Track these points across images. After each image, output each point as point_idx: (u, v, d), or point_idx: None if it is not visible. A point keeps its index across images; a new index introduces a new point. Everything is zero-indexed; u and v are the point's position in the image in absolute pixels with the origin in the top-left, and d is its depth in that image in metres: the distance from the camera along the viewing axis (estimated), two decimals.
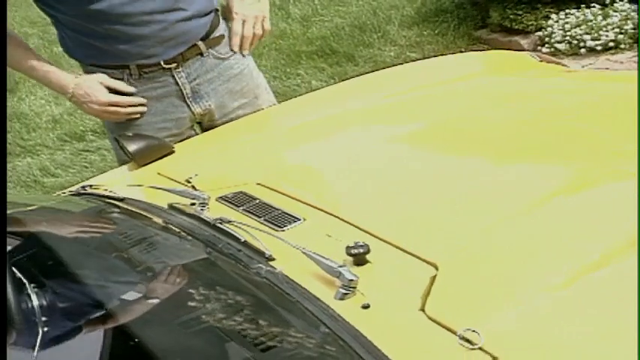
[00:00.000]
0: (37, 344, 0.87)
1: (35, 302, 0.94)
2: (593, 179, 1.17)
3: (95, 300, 1.06)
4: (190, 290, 1.08)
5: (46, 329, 0.90)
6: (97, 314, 1.01)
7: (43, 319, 0.92)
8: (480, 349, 0.83)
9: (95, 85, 1.71)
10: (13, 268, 0.98)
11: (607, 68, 3.38)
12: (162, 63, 1.71)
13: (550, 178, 1.22)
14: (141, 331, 0.94)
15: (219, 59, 1.79)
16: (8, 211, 1.23)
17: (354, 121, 1.60)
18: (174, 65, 1.73)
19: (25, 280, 0.98)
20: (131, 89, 1.73)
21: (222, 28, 1.80)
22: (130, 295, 1.09)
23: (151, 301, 1.06)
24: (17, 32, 2.01)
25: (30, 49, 1.77)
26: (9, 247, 1.07)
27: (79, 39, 1.70)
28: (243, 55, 1.83)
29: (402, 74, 1.95)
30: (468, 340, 0.84)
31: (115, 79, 1.73)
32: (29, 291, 0.97)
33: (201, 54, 1.76)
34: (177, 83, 1.75)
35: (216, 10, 1.80)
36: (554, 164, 1.26)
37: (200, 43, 1.75)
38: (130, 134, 1.71)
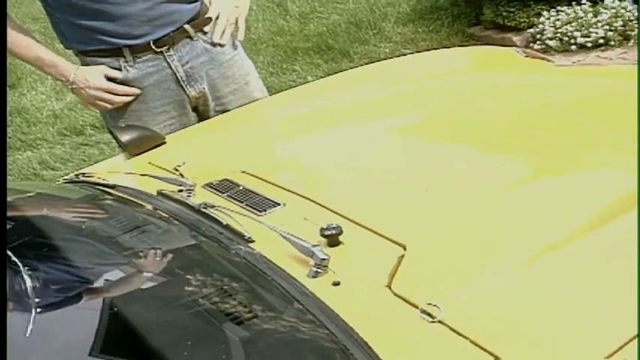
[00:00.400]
0: (30, 323, 0.91)
1: (28, 283, 0.99)
2: (557, 167, 1.23)
3: (85, 279, 1.11)
4: (174, 270, 1.15)
5: (38, 309, 0.94)
6: (87, 292, 1.07)
7: (37, 299, 0.96)
8: (440, 322, 0.89)
9: (95, 72, 1.81)
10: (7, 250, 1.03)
11: (597, 64, 3.42)
12: (152, 45, 1.79)
13: (518, 166, 1.28)
14: (128, 307, 1.00)
15: (209, 44, 1.87)
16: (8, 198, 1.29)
17: (339, 114, 1.65)
18: (164, 48, 1.81)
19: (17, 261, 1.03)
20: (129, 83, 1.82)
21: (209, 13, 1.88)
22: (118, 274, 1.15)
23: (137, 279, 1.12)
24: None
25: (36, 40, 1.86)
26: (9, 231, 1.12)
27: (69, 21, 1.78)
28: (222, 46, 1.89)
29: (390, 69, 2.01)
30: (429, 314, 0.90)
31: (113, 68, 1.81)
32: (22, 272, 1.02)
33: (190, 37, 1.84)
34: (170, 67, 1.83)
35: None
36: (525, 153, 1.32)
37: (187, 26, 1.83)
38: (123, 125, 1.78)
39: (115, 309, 1.00)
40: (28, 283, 0.99)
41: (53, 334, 0.94)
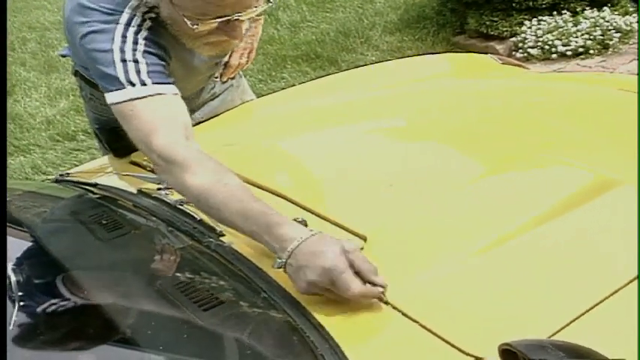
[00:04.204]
0: (13, 318, 0.96)
1: (12, 278, 1.04)
2: (518, 165, 1.31)
3: (68, 273, 1.17)
4: (149, 261, 1.21)
5: (21, 303, 0.99)
6: (66, 284, 1.13)
7: (19, 293, 1.01)
8: (392, 306, 0.96)
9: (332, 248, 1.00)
10: None
11: (577, 72, 3.51)
12: None
13: (481, 164, 1.35)
14: (105, 297, 1.07)
15: (214, 81, 1.83)
16: None
17: (317, 116, 1.72)
18: None
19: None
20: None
21: None
22: (100, 268, 1.21)
23: (117, 272, 1.18)
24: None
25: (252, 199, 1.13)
26: None
27: None
28: (223, 82, 1.85)
29: (370, 74, 2.08)
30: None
31: None
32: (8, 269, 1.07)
33: None
34: None
35: None
36: (490, 152, 1.39)
37: None
38: (109, 128, 1.83)
39: (97, 301, 1.06)
40: (13, 279, 1.03)
41: (34, 328, 0.99)
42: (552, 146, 1.37)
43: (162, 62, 1.31)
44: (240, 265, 1.09)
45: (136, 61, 1.26)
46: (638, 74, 3.54)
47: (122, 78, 1.25)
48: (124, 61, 1.26)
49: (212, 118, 1.88)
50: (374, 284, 0.96)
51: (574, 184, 1.19)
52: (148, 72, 1.26)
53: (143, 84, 1.25)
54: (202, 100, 1.86)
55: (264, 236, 1.05)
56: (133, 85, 1.25)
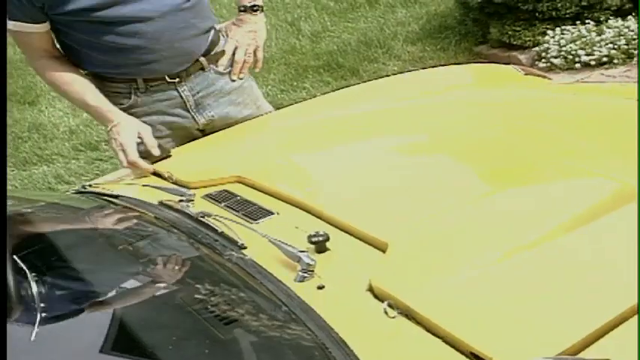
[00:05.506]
0: (35, 329, 0.95)
1: (34, 289, 1.03)
2: (541, 175, 1.29)
3: (90, 285, 1.17)
4: (172, 275, 1.21)
5: (44, 314, 0.98)
6: (91, 298, 1.12)
7: (42, 305, 1.00)
8: (412, 318, 0.95)
9: (131, 138, 1.74)
10: (14, 257, 1.09)
11: (601, 82, 3.47)
12: (166, 78, 1.83)
13: (501, 173, 1.34)
14: (128, 310, 1.07)
15: (220, 74, 1.91)
16: (17, 206, 1.36)
17: (338, 127, 1.71)
18: (177, 80, 1.85)
19: (25, 269, 1.09)
20: (156, 151, 1.74)
21: (221, 45, 1.92)
22: (120, 280, 1.21)
23: (137, 284, 1.18)
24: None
25: (84, 81, 1.83)
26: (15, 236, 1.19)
27: (93, 55, 1.80)
28: (233, 80, 1.93)
29: (392, 85, 2.07)
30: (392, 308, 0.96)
31: (123, 93, 1.84)
32: (30, 279, 1.07)
33: (203, 69, 1.88)
34: (181, 96, 1.87)
35: (215, 28, 1.92)
36: (512, 162, 1.37)
37: (202, 58, 1.87)
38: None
39: (119, 312, 1.06)
40: (35, 289, 1.03)
41: (58, 341, 0.98)
42: (575, 156, 1.36)
43: None
44: (262, 279, 1.09)
45: None
46: (638, 77, 3.52)
47: None
48: None
49: (229, 122, 1.93)
50: None
51: (597, 194, 1.17)
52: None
53: None
54: (202, 81, 1.89)
55: None
56: None
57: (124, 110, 1.84)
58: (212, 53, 1.89)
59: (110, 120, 1.78)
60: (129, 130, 1.75)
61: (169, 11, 1.75)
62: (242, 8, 1.94)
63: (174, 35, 1.78)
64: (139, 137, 1.74)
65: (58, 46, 1.84)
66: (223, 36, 1.95)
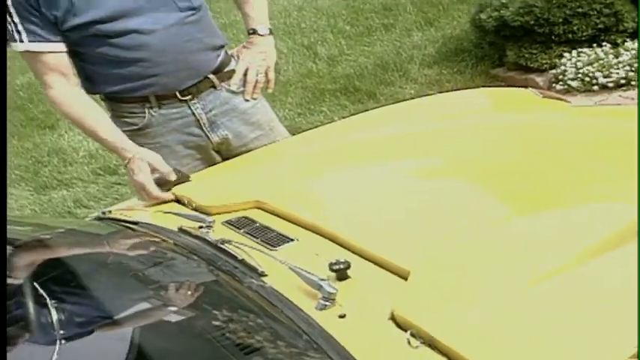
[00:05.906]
0: (55, 356, 0.96)
1: (54, 316, 1.04)
2: (562, 201, 1.28)
3: (108, 311, 1.17)
4: (192, 302, 1.21)
5: (63, 342, 0.99)
6: (111, 324, 1.13)
7: (61, 332, 1.01)
8: (429, 345, 0.94)
9: (146, 175, 1.73)
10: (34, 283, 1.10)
11: (619, 104, 3.45)
12: (177, 93, 1.86)
13: (523, 198, 1.33)
14: (148, 338, 1.07)
15: (233, 93, 1.94)
16: (36, 233, 1.37)
17: (357, 152, 1.72)
18: (189, 97, 1.88)
19: (45, 295, 1.10)
20: (173, 176, 1.74)
21: (232, 65, 1.95)
22: (140, 307, 1.21)
23: (157, 311, 1.18)
24: None
25: (101, 121, 1.84)
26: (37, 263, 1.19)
27: (100, 72, 1.83)
28: (247, 100, 1.96)
29: (409, 109, 2.07)
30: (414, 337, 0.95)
31: (137, 112, 1.87)
32: (49, 306, 1.08)
33: (215, 87, 1.91)
34: (194, 114, 1.90)
35: (225, 49, 1.95)
36: (532, 186, 1.37)
37: (212, 76, 1.89)
38: None
39: (137, 339, 1.06)
40: (55, 316, 1.04)
41: None
42: (597, 180, 1.35)
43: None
44: (282, 307, 1.08)
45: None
46: (638, 82, 3.49)
47: None
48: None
49: (243, 142, 1.95)
50: None
51: (622, 219, 1.17)
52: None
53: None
54: (214, 99, 1.91)
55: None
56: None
57: (140, 130, 1.87)
58: (223, 71, 1.92)
59: (124, 157, 1.79)
60: (143, 167, 1.74)
61: (174, 24, 1.79)
62: (251, 31, 1.98)
63: (179, 48, 1.81)
64: (152, 168, 1.74)
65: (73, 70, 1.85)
66: (235, 59, 1.97)
